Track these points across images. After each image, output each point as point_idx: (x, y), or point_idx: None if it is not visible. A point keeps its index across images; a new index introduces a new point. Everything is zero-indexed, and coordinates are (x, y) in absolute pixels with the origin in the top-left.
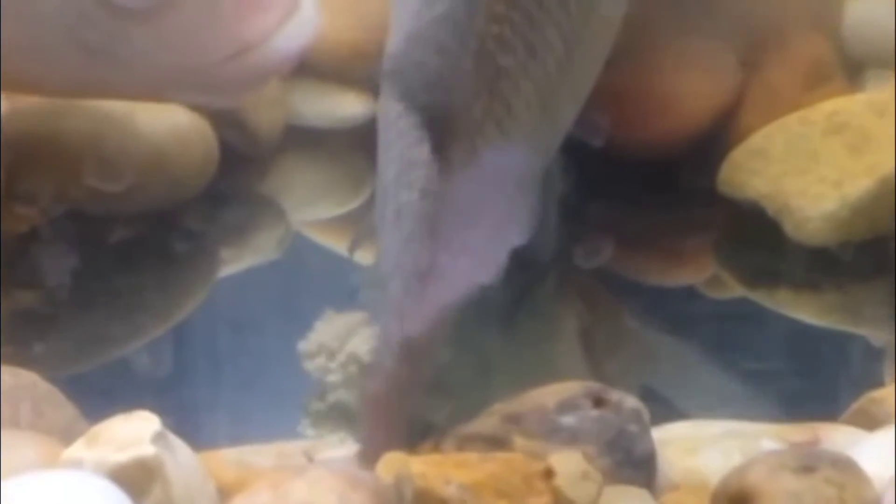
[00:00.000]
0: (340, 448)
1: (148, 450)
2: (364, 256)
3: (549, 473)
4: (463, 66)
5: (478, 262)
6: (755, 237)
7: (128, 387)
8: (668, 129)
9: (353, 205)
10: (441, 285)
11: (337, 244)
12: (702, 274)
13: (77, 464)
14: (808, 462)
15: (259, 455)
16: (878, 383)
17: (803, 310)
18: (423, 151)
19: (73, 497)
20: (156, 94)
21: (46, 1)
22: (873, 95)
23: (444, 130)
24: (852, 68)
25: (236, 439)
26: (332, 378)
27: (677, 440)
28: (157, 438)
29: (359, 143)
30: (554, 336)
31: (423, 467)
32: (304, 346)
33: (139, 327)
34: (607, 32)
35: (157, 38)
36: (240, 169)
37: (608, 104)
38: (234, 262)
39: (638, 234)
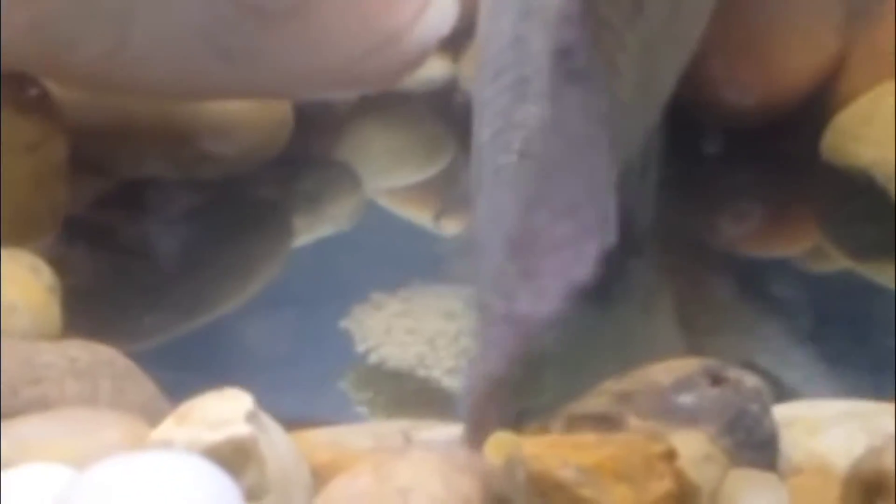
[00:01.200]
0: (440, 429)
1: (242, 429)
2: (447, 226)
3: (670, 455)
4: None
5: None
6: (862, 207)
7: (200, 361)
8: (769, 91)
9: (432, 172)
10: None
11: (414, 213)
12: (805, 246)
13: (167, 444)
14: None
15: (354, 435)
16: None
17: None
18: (524, 111)
19: (180, 479)
20: (295, 92)
21: (182, 7)
22: None
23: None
24: None
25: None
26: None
27: (796, 420)
28: (251, 417)
29: (438, 106)
30: (651, 311)
31: (537, 449)
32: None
33: (209, 300)
34: None
35: (297, 38)
36: (314, 134)
37: (704, 65)
38: (307, 232)
39: (735, 205)
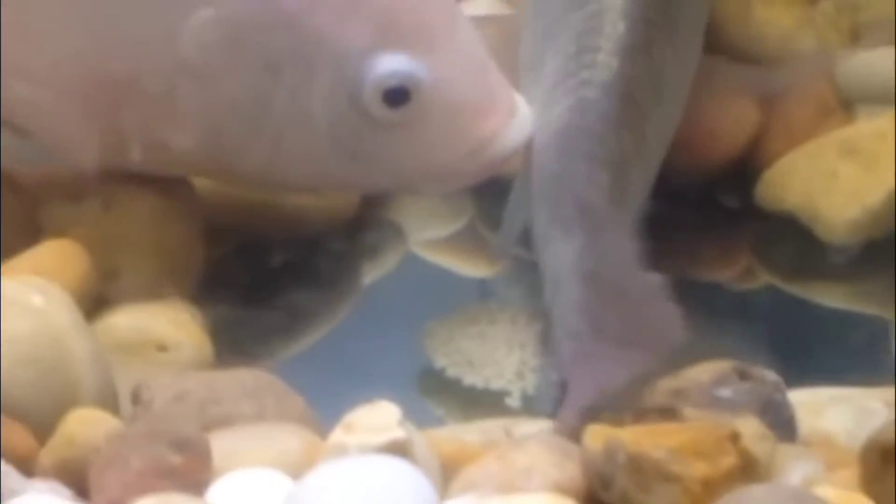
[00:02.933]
0: (530, 425)
1: (400, 433)
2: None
3: (735, 436)
4: None
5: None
6: (789, 240)
7: (313, 378)
8: (708, 155)
9: (457, 227)
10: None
11: (448, 260)
12: (738, 270)
13: (341, 448)
14: None
15: (465, 432)
16: None
17: (831, 298)
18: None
19: (393, 477)
20: (401, 187)
21: (323, 122)
22: (875, 124)
23: None
24: (845, 104)
25: None
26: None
27: (801, 404)
28: (402, 423)
29: None
30: None
31: (633, 437)
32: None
33: (306, 330)
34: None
35: (408, 143)
36: (372, 200)
37: None
38: (371, 275)
39: (680, 240)
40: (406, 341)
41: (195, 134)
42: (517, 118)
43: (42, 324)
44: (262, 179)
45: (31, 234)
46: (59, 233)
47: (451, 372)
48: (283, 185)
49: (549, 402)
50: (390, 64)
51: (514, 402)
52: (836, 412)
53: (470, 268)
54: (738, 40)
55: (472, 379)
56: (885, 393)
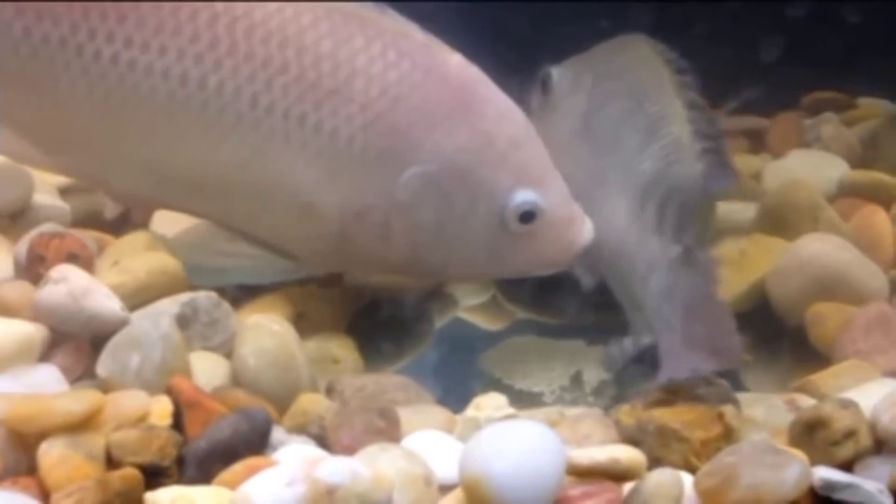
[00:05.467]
0: (575, 410)
1: (511, 410)
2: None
3: (721, 415)
4: None
5: None
6: None
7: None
8: None
9: (485, 298)
10: None
11: (479, 321)
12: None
13: (475, 420)
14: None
15: (538, 413)
16: None
17: None
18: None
19: (539, 434)
20: (518, 275)
21: (479, 234)
22: (737, 246)
23: None
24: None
25: None
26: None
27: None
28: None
29: None
30: None
31: (658, 414)
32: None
33: (402, 354)
34: None
35: (531, 247)
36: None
37: None
38: (437, 324)
39: None
40: (461, 360)
41: (401, 247)
42: (587, 225)
43: (280, 340)
44: (434, 274)
45: (261, 295)
46: (276, 292)
47: (506, 381)
48: (446, 277)
49: (620, 361)
50: (523, 196)
51: (547, 399)
52: (757, 406)
53: (488, 323)
54: None
55: (519, 385)
56: (779, 398)
